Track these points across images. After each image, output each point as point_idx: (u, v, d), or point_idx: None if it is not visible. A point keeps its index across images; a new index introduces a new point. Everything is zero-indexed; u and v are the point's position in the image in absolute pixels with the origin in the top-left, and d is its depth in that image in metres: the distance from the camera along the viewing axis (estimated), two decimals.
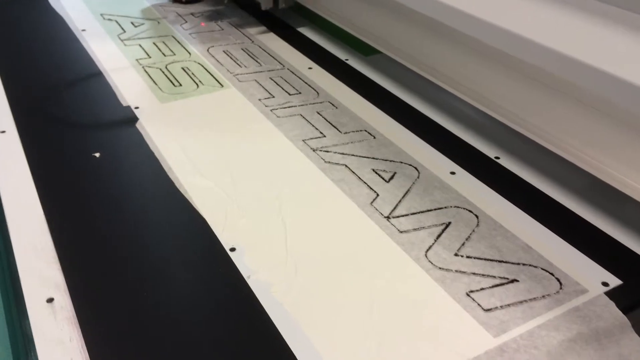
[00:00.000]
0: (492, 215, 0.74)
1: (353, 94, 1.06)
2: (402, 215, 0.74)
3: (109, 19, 1.39)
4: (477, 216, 0.73)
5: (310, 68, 1.15)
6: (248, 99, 1.04)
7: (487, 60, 0.87)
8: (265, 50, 1.23)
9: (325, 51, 1.23)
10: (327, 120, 0.97)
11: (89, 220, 0.76)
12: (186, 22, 1.38)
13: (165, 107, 1.02)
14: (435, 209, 0.75)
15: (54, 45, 1.26)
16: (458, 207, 0.75)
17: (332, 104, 1.02)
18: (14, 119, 0.97)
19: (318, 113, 0.99)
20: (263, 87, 1.08)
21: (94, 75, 1.12)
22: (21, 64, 1.17)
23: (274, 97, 1.05)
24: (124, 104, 1.02)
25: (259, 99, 1.04)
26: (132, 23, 1.37)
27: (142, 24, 1.37)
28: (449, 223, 0.72)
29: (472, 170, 0.82)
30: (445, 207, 0.76)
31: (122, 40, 1.27)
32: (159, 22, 1.37)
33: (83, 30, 1.33)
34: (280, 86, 1.08)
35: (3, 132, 0.94)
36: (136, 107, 1.01)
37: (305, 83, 1.09)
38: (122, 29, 1.33)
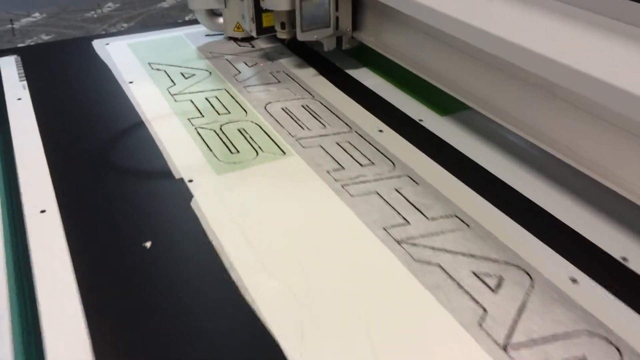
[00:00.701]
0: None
1: (433, 164, 0.93)
2: (523, 345, 0.60)
3: (157, 69, 1.29)
4: (618, 350, 0.59)
5: (380, 131, 1.03)
6: (314, 170, 0.92)
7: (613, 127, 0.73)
8: (328, 108, 1.11)
9: (395, 109, 1.10)
10: (408, 201, 0.84)
11: (131, 330, 0.65)
12: (239, 72, 1.27)
13: (223, 180, 0.91)
14: (562, 336, 0.61)
15: (99, 100, 1.17)
16: (590, 332, 0.61)
17: (412, 179, 0.89)
18: (56, 195, 0.87)
19: (397, 191, 0.86)
20: (330, 155, 0.96)
21: (144, 139, 1.02)
22: (64, 122, 1.08)
23: (344, 168, 0.92)
24: (177, 176, 0.91)
25: (327, 171, 0.91)
26: (182, 74, 1.27)
27: (193, 74, 1.27)
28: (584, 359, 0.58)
29: (598, 278, 0.68)
30: (574, 333, 0.61)
31: (172, 95, 1.17)
32: (210, 73, 1.27)
33: (130, 82, 1.23)
34: (349, 154, 0.96)
35: (43, 211, 0.84)
36: (190, 181, 0.90)
37: (378, 150, 0.97)
38: (172, 80, 1.23)
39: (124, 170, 0.94)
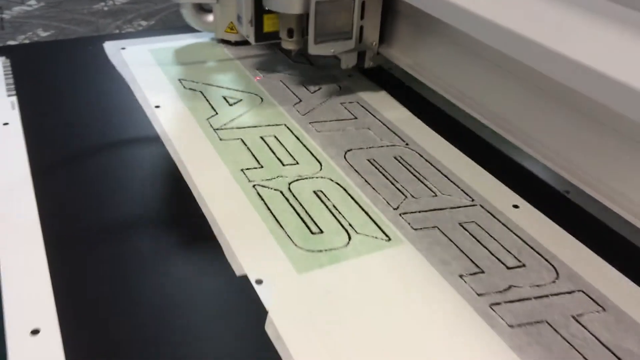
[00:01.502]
0: None
1: (609, 269, 0.64)
2: None
3: (192, 89, 0.99)
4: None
5: (516, 207, 0.74)
6: (440, 272, 0.63)
7: None
8: (431, 164, 0.82)
9: (525, 170, 0.81)
10: (598, 340, 0.55)
11: None
12: (300, 100, 0.97)
13: (307, 283, 0.61)
14: None
15: (115, 133, 0.86)
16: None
17: (588, 295, 0.61)
18: (57, 313, 0.57)
19: (576, 319, 0.58)
20: (456, 245, 0.67)
21: (182, 202, 0.72)
22: (69, 171, 0.78)
23: (483, 272, 0.63)
24: (238, 273, 0.62)
25: (460, 275, 0.63)
26: (224, 98, 0.97)
27: (239, 99, 0.97)
28: None
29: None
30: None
31: (214, 130, 0.87)
32: (262, 100, 0.97)
33: (157, 106, 0.93)
34: (484, 245, 0.67)
35: (35, 331, 0.55)
36: (258, 281, 0.61)
37: (525, 243, 0.67)
38: (212, 107, 0.93)
39: (154, 260, 0.65)
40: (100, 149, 0.83)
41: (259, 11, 0.97)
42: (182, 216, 0.71)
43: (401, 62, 0.96)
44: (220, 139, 0.85)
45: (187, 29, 1.22)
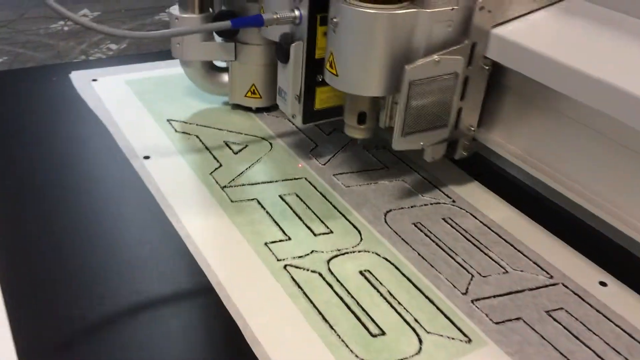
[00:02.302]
0: None
1: None
2: None
3: (185, 132, 0.83)
4: None
5: (603, 284, 0.62)
6: None
7: None
8: (491, 229, 0.68)
9: (606, 240, 0.69)
10: None
11: None
12: (316, 145, 0.82)
13: None
14: None
15: (95, 200, 0.70)
16: None
17: None
18: None
19: None
20: (552, 344, 0.54)
21: (202, 308, 0.56)
22: (33, 272, 0.61)
23: None
24: None
25: None
26: (226, 145, 0.81)
27: (243, 145, 0.81)
28: None
29: None
30: None
31: (222, 188, 0.72)
32: (271, 145, 0.82)
33: (146, 157, 0.77)
34: (585, 344, 0.54)
35: None
36: None
37: (631, 337, 0.56)
38: (214, 157, 0.78)
39: None
40: (83, 221, 0.66)
41: (311, 83, 0.73)
42: (201, 317, 0.56)
43: (504, 151, 0.76)
44: (232, 201, 0.70)
45: (169, 53, 1.05)
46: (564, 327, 0.56)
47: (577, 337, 0.55)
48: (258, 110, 0.90)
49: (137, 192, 0.70)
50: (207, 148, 0.79)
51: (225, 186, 0.72)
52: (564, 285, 0.61)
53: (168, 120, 0.85)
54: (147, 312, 0.55)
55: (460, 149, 0.76)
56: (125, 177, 0.73)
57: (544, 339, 0.54)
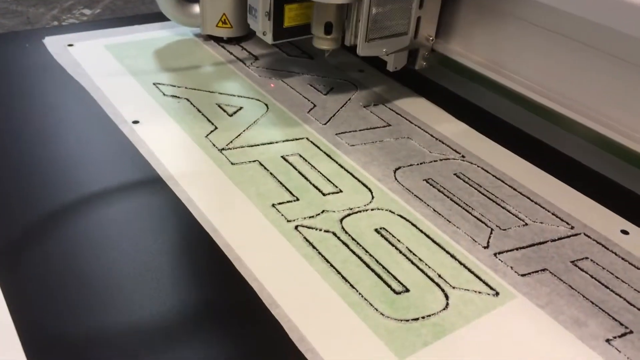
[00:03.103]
0: None
1: None
2: None
3: (174, 96, 0.78)
4: None
5: (625, 232, 0.60)
6: (579, 337, 0.48)
7: None
8: (506, 183, 0.66)
9: (619, 186, 0.68)
10: None
11: None
12: (315, 105, 0.79)
13: None
14: None
15: (95, 174, 0.65)
16: None
17: None
18: None
19: None
20: (581, 294, 0.52)
21: (216, 276, 0.53)
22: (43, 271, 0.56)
23: (631, 331, 0.49)
24: None
25: (607, 340, 0.48)
26: (219, 106, 0.77)
27: (238, 107, 0.77)
28: None
29: None
30: None
31: (220, 151, 0.68)
32: (267, 106, 0.77)
33: (135, 122, 0.72)
34: (615, 292, 0.52)
35: None
36: None
37: None
38: (208, 120, 0.73)
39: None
40: (80, 198, 0.61)
41: (279, 1, 0.75)
42: (217, 285, 0.52)
43: (465, 59, 0.78)
44: (232, 163, 0.65)
45: (146, 17, 0.99)
46: (592, 277, 0.54)
47: (606, 286, 0.53)
48: (229, 41, 0.92)
49: (129, 157, 0.65)
50: (199, 111, 0.75)
51: (223, 149, 0.68)
52: (585, 235, 0.59)
53: (154, 84, 0.80)
54: (158, 283, 0.51)
55: (420, 59, 0.80)
56: (117, 143, 0.68)
57: (573, 288, 0.52)
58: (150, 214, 0.58)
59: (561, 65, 0.69)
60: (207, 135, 0.70)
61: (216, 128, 0.71)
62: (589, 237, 0.59)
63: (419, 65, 0.81)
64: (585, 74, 0.66)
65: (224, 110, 0.75)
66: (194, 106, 0.76)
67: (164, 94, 0.78)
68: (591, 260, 0.56)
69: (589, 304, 0.51)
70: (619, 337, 0.48)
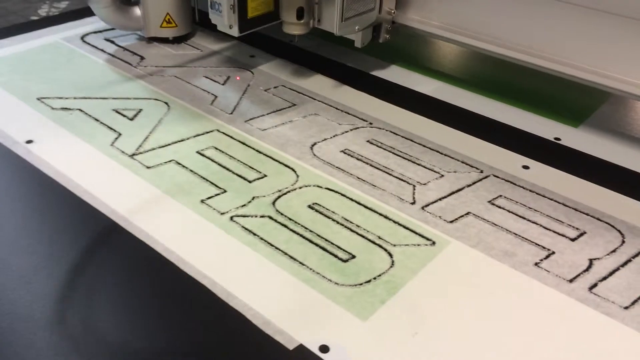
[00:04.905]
0: None
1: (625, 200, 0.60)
2: None
3: (65, 108, 0.73)
4: None
5: (525, 167, 0.66)
6: (512, 266, 0.52)
7: None
8: (414, 141, 0.70)
9: (505, 126, 0.73)
10: None
11: None
12: (215, 96, 0.77)
13: (380, 329, 0.46)
14: None
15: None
16: None
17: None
18: None
19: None
20: (505, 228, 0.57)
21: (166, 282, 0.51)
22: None
23: (553, 252, 0.54)
24: (290, 345, 0.45)
25: (536, 264, 0.53)
26: (117, 112, 0.73)
27: (138, 110, 0.73)
28: None
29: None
30: None
31: (131, 157, 0.64)
32: (167, 105, 0.75)
33: (29, 141, 0.66)
34: (532, 221, 0.57)
35: None
36: (323, 349, 0.45)
37: (566, 206, 0.60)
38: (109, 127, 0.69)
39: None
40: None
41: None
42: (166, 290, 0.50)
43: (424, 25, 0.80)
44: (148, 167, 0.63)
45: (9, 30, 0.91)
46: (509, 211, 0.59)
47: (522, 217, 0.58)
48: (175, 40, 0.89)
49: (33, 180, 0.61)
50: (97, 120, 0.71)
51: (134, 154, 0.65)
52: (494, 176, 0.64)
53: (39, 99, 0.74)
54: (107, 298, 0.48)
55: (383, 33, 0.83)
56: (14, 167, 0.63)
57: (496, 225, 0.57)
58: (77, 233, 0.55)
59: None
60: (113, 143, 0.67)
61: (120, 134, 0.68)
62: (497, 177, 0.64)
63: (382, 38, 0.84)
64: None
65: (123, 115, 0.72)
66: (89, 115, 0.71)
67: (52, 108, 0.73)
68: (504, 197, 0.61)
69: (512, 235, 0.56)
70: (545, 259, 0.54)
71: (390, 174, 0.64)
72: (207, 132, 0.70)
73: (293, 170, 0.64)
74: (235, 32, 0.75)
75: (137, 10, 0.85)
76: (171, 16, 0.84)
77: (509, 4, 0.72)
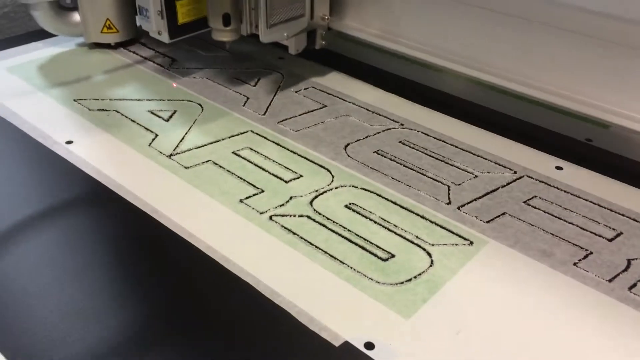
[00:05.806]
0: None
1: None
2: None
3: (102, 110, 0.74)
4: None
5: (559, 168, 0.67)
6: (550, 266, 0.53)
7: None
8: (446, 142, 0.70)
9: (543, 130, 0.73)
10: None
11: None
12: (248, 98, 0.78)
13: (422, 326, 0.47)
14: None
15: (46, 202, 0.61)
16: None
17: None
18: None
19: None
20: (541, 228, 0.57)
21: (215, 283, 0.52)
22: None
23: (591, 252, 0.55)
24: (336, 342, 0.46)
25: (574, 264, 0.53)
26: (152, 113, 0.74)
27: (173, 111, 0.75)
28: None
29: None
30: None
31: (169, 157, 0.66)
32: (201, 106, 0.76)
33: (69, 142, 0.68)
34: (568, 222, 0.58)
35: None
36: (369, 345, 0.45)
37: (602, 207, 0.60)
38: (145, 128, 0.71)
39: None
40: (34, 223, 0.57)
41: None
42: (211, 288, 0.51)
43: (361, 33, 0.81)
44: (186, 167, 0.64)
45: (41, 33, 0.93)
46: (545, 212, 0.60)
47: (558, 217, 0.59)
48: (117, 46, 0.89)
49: (75, 180, 0.62)
50: (133, 121, 0.72)
51: (171, 154, 0.66)
52: (528, 176, 0.65)
53: (75, 100, 0.76)
54: (148, 297, 0.50)
55: (319, 39, 0.83)
56: (55, 166, 0.64)
57: (533, 225, 0.58)
58: (122, 233, 0.56)
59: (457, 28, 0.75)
60: (150, 143, 0.68)
61: (157, 135, 0.70)
62: (531, 177, 0.65)
63: (318, 44, 0.84)
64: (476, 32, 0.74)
65: (159, 116, 0.73)
66: (126, 117, 0.73)
67: (89, 109, 0.74)
68: (539, 197, 0.62)
69: (550, 235, 0.57)
70: (583, 259, 0.54)
71: (424, 174, 0.64)
72: (242, 133, 0.70)
73: (328, 170, 0.65)
74: (165, 38, 0.76)
75: (76, 16, 0.86)
76: (111, 21, 0.85)
77: (453, 14, 0.74)
